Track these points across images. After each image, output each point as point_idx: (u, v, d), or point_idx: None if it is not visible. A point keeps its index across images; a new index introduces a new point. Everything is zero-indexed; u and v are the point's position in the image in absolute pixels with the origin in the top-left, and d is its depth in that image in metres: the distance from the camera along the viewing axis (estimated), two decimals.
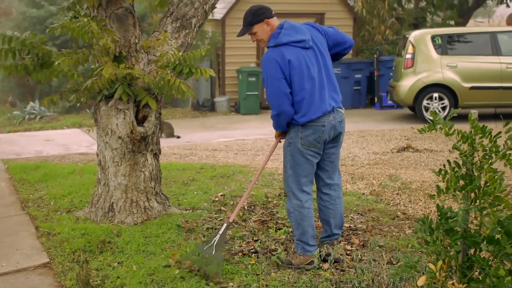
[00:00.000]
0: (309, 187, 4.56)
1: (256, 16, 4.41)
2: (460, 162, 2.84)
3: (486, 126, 2.76)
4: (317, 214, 4.83)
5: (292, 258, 4.53)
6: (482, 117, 2.71)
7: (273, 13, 4.46)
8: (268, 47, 4.43)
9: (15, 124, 14.97)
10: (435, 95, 12.48)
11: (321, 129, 4.36)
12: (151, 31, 12.27)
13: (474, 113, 2.84)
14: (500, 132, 2.79)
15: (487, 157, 2.74)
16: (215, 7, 6.21)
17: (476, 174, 2.81)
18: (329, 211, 4.65)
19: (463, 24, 18.50)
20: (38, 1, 17.80)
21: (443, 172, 2.81)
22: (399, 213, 5.84)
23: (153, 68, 5.57)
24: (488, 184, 2.73)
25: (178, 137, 11.90)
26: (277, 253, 4.60)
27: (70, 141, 11.90)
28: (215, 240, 4.50)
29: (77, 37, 5.00)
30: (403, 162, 8.32)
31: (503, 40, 12.52)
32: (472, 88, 12.31)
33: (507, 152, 2.74)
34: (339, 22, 16.44)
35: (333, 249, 4.54)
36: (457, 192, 2.82)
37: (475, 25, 25.74)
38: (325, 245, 4.63)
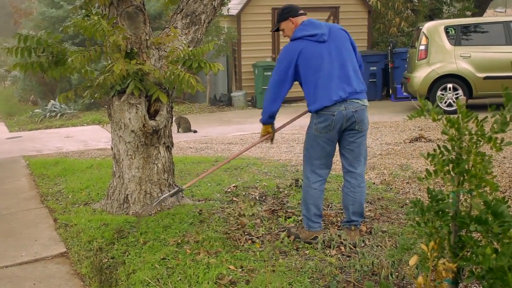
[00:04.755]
0: (323, 171, 4.86)
1: (282, 14, 4.93)
2: (450, 147, 2.95)
3: (472, 112, 2.87)
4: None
5: (300, 232, 4.89)
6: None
7: (299, 12, 4.91)
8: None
9: (37, 122, 15.27)
10: (449, 85, 12.49)
11: (331, 118, 4.65)
12: None
13: (462, 99, 2.96)
14: (486, 117, 2.90)
15: (473, 140, 2.85)
16: (225, 3, 6.37)
17: (464, 157, 2.92)
18: (348, 197, 4.90)
19: (480, 14, 18.42)
20: (57, 1, 18.07)
21: (431, 156, 2.93)
22: (408, 201, 5.94)
23: (164, 64, 5.74)
24: (475, 166, 2.84)
25: (195, 131, 12.08)
26: (280, 239, 4.77)
27: (90, 137, 12.13)
28: (161, 197, 5.44)
29: (89, 35, 5.18)
30: (415, 152, 8.39)
31: None
32: (486, 78, 12.29)
33: (493, 136, 2.85)
34: (354, 15, 16.53)
35: (336, 234, 4.70)
36: (446, 175, 2.93)
37: (494, 15, 25.57)
38: (330, 231, 4.81)
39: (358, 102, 4.71)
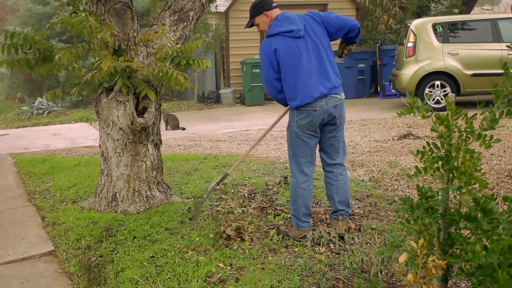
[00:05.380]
0: (309, 169, 4.85)
1: (256, 9, 4.84)
2: (439, 144, 2.95)
3: (462, 109, 2.87)
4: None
5: (289, 230, 4.89)
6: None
7: (272, 5, 4.84)
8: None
9: (24, 119, 15.17)
10: (437, 82, 12.56)
11: (313, 113, 4.67)
12: None
13: (451, 96, 2.96)
14: (475, 114, 2.89)
15: (463, 137, 2.85)
16: (213, 0, 6.33)
17: (453, 154, 2.91)
18: (332, 187, 4.92)
19: (467, 12, 18.49)
20: None
21: (421, 153, 2.92)
22: (396, 198, 5.95)
23: (152, 61, 5.71)
24: (464, 163, 2.84)
25: (183, 129, 12.06)
26: (270, 236, 4.76)
27: (77, 135, 12.07)
28: (211, 186, 5.37)
29: (76, 32, 5.14)
30: (403, 149, 8.41)
31: (504, 26, 12.55)
32: (473, 75, 12.36)
33: (482, 133, 2.85)
34: (342, 12, 16.45)
35: (325, 231, 4.70)
36: (436, 173, 2.92)
37: (481, 13, 25.66)
38: (319, 228, 4.81)
39: (337, 97, 4.74)
